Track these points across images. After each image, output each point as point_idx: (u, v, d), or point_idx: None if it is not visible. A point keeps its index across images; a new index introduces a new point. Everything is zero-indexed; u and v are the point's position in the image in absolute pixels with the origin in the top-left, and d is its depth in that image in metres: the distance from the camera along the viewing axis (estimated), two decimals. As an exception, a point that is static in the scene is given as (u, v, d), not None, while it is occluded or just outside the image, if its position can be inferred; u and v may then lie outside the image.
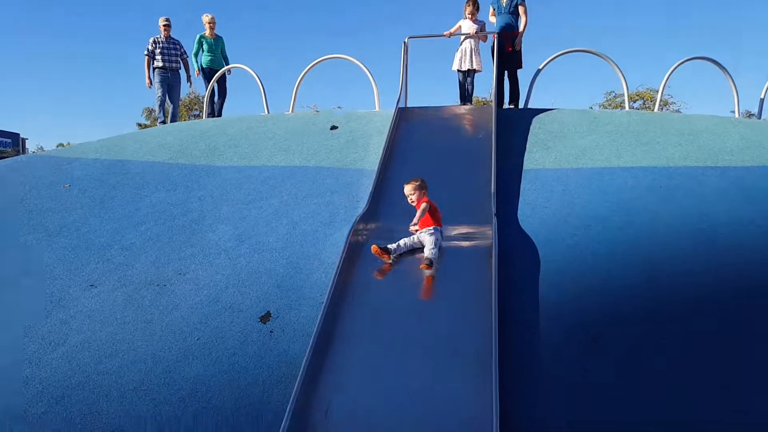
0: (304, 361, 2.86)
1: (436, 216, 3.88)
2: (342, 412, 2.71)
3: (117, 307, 3.64)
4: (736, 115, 7.13)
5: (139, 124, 31.29)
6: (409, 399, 2.71)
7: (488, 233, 3.93)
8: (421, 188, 3.98)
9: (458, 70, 7.07)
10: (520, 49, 7.07)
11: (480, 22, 6.92)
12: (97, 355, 3.26)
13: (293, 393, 2.71)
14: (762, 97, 7.10)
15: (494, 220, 3.90)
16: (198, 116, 29.72)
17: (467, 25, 6.88)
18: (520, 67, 7.18)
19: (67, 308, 3.67)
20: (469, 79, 7.08)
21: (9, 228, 4.73)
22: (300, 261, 3.93)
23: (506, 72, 7.14)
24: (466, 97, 7.19)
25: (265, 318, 3.43)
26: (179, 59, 8.27)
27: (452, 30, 6.96)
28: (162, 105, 8.36)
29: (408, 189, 4.00)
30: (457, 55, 6.98)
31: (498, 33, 6.93)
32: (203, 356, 3.19)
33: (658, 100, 6.95)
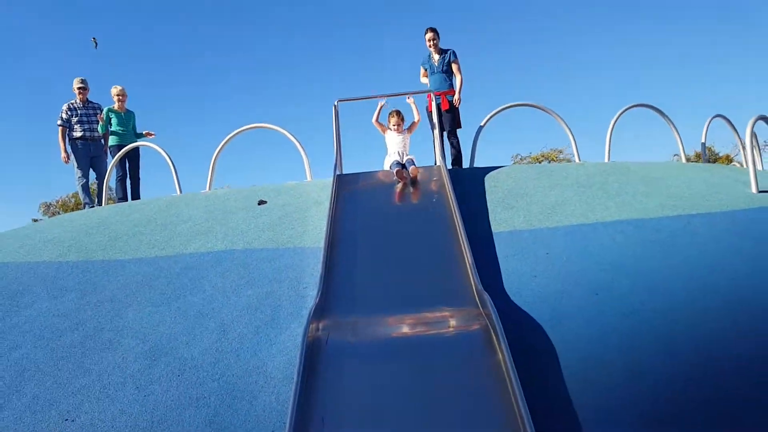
0: None
1: None
2: None
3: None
4: (683, 160, 6.99)
5: (35, 220, 28.70)
6: None
7: (479, 315, 3.15)
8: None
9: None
10: (458, 108, 6.69)
11: (404, 131, 5.80)
12: None
13: None
14: (703, 141, 7.06)
15: (486, 296, 3.12)
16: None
17: (393, 138, 5.73)
18: (459, 126, 6.77)
19: None
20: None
21: None
22: (238, 380, 2.93)
23: (446, 132, 6.68)
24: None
25: (197, 476, 2.39)
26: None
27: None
28: (86, 185, 7.20)
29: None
30: (388, 159, 5.65)
31: (434, 93, 6.56)
32: None
33: (607, 150, 6.64)
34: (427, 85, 6.85)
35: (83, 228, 5.26)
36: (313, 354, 2.93)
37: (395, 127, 5.81)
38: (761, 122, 5.66)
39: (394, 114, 5.87)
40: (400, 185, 5.15)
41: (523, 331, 3.08)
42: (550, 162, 27.51)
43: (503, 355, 2.67)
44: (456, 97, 6.59)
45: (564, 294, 3.43)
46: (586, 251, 3.95)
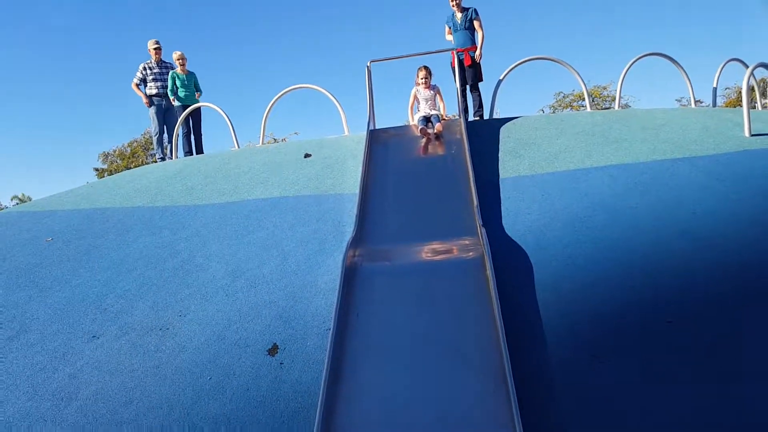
0: (321, 390, 2.96)
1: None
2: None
3: (123, 355, 3.67)
4: (692, 105, 7.55)
5: (96, 170, 30.79)
6: (426, 417, 2.83)
7: (478, 244, 4.12)
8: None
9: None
10: (480, 63, 7.39)
11: (434, 87, 6.44)
12: (111, 406, 3.29)
13: (315, 425, 2.79)
14: (714, 86, 7.55)
15: (483, 230, 4.08)
16: (156, 155, 29.63)
17: (422, 94, 6.41)
18: (481, 80, 7.50)
19: (73, 362, 3.68)
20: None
21: (-3, 288, 4.69)
22: (297, 290, 4.03)
23: (468, 86, 7.45)
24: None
25: (273, 350, 3.51)
26: None
27: (410, 104, 6.52)
28: (160, 139, 8.32)
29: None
30: (420, 116, 6.25)
31: (456, 50, 7.27)
32: (218, 395, 3.26)
33: (617, 98, 7.31)
34: (452, 42, 7.56)
35: (164, 178, 6.42)
36: (350, 273, 3.98)
37: (423, 80, 6.35)
38: None
39: (423, 68, 6.41)
40: (424, 139, 6.05)
41: (511, 255, 4.04)
42: (594, 99, 27.48)
43: (488, 272, 3.65)
44: (477, 53, 7.30)
45: (548, 227, 4.34)
46: (575, 192, 4.80)
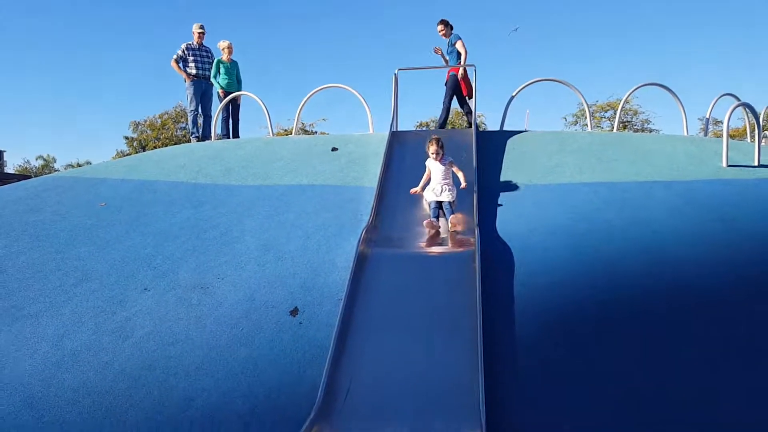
0: (331, 346, 3.70)
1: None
2: (362, 384, 3.55)
3: (170, 306, 4.45)
4: (685, 134, 8.16)
5: (126, 138, 31.90)
6: (413, 373, 3.56)
7: (472, 240, 4.82)
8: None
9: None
10: (467, 79, 8.12)
11: (447, 158, 5.48)
12: (161, 344, 4.06)
13: (324, 372, 3.54)
14: (707, 117, 8.14)
15: (477, 229, 4.79)
16: (185, 129, 30.93)
17: (435, 167, 5.43)
18: (466, 95, 8.24)
19: (129, 308, 4.47)
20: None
21: (62, 241, 5.50)
22: (317, 266, 4.77)
23: (455, 98, 8.30)
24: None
25: (294, 312, 4.26)
26: (212, 67, 8.86)
27: (422, 183, 5.54)
28: (195, 119, 8.96)
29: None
30: (430, 193, 5.36)
31: (448, 72, 8.13)
32: (248, 343, 4.01)
33: (616, 122, 7.93)
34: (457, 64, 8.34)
35: (205, 158, 7.20)
36: (363, 255, 4.71)
37: (434, 154, 5.42)
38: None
39: (434, 142, 5.43)
40: (431, 231, 5.19)
41: (498, 252, 4.74)
42: (615, 111, 28.20)
43: (477, 264, 4.36)
44: (460, 71, 8.06)
45: (534, 231, 5.03)
46: (562, 203, 5.48)
